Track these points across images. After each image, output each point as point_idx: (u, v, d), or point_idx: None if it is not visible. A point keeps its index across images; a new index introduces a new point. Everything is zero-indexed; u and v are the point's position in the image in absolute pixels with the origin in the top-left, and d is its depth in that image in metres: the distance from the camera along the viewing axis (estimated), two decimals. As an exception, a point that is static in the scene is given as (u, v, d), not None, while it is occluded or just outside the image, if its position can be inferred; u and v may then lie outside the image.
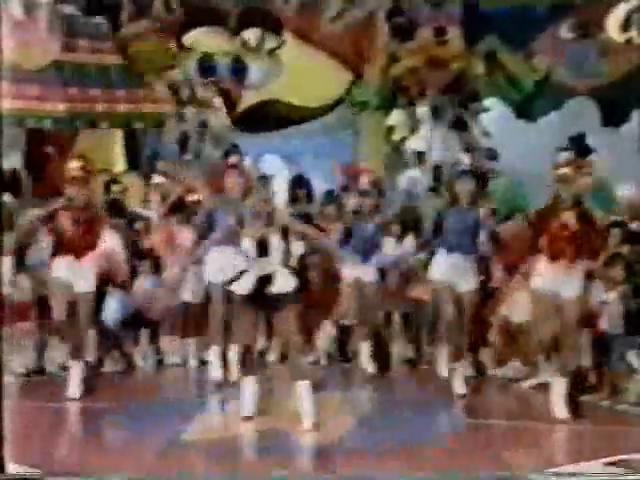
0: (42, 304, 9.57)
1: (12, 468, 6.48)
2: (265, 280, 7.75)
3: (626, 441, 7.33)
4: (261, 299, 7.80)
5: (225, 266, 8.75)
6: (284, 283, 7.78)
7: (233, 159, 11.97)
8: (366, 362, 10.02)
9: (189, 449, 7.36)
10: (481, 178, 11.43)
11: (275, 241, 7.80)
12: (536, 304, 8.33)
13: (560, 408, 8.03)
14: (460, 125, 13.20)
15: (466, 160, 12.06)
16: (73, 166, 8.79)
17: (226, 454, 7.22)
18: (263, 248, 7.77)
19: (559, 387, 8.09)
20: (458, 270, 8.95)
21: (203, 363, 10.30)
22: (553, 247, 8.09)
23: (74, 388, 8.74)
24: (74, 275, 8.74)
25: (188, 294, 10.35)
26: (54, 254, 8.87)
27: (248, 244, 7.80)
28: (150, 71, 13.24)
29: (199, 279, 9.94)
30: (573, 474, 6.60)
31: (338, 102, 13.91)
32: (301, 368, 7.97)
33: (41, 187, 11.99)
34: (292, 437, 7.62)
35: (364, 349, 10.09)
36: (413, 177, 12.69)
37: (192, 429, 7.94)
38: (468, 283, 8.98)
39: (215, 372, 9.48)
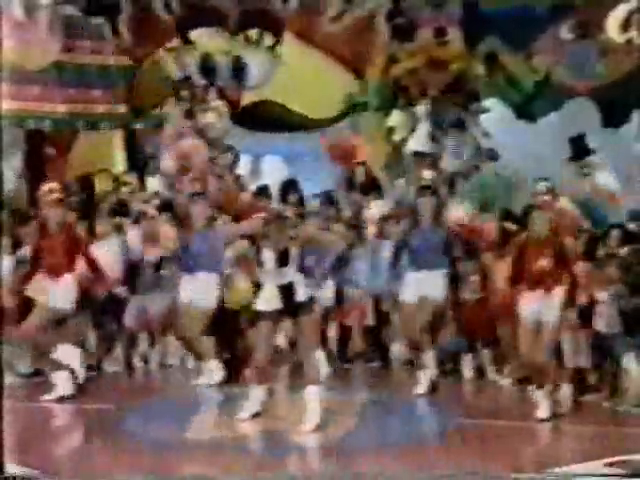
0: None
1: (11, 469, 6.48)
2: (286, 290, 7.78)
3: (626, 442, 7.34)
4: (283, 310, 7.84)
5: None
6: (303, 291, 7.82)
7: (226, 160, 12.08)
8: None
9: (190, 449, 7.36)
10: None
11: (294, 252, 7.82)
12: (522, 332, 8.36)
13: (542, 410, 8.06)
14: (459, 126, 13.17)
15: (427, 175, 12.02)
16: (47, 190, 8.88)
17: (227, 454, 7.23)
18: (282, 259, 7.80)
19: (540, 399, 8.12)
20: (427, 286, 9.15)
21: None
22: (532, 276, 8.19)
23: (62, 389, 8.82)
24: (53, 295, 8.83)
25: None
26: (31, 272, 8.97)
27: (268, 255, 7.81)
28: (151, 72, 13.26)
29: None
30: (573, 475, 6.60)
31: (343, 115, 13.89)
32: (316, 373, 7.98)
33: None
34: (293, 438, 7.63)
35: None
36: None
37: (193, 430, 7.96)
38: (439, 294, 9.18)
39: None
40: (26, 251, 9.55)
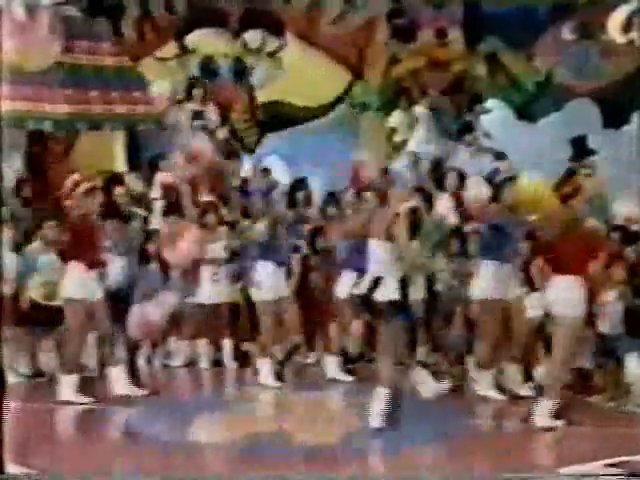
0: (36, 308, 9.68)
1: (12, 469, 6.47)
2: (374, 284, 7.57)
3: (628, 442, 7.32)
4: (365, 303, 7.64)
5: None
6: (387, 291, 7.54)
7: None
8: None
9: (192, 450, 7.36)
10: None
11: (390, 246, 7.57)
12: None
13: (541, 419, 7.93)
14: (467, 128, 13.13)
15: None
16: (73, 182, 8.87)
17: (228, 455, 7.23)
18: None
19: (541, 408, 7.98)
20: (502, 281, 8.83)
21: (215, 364, 10.32)
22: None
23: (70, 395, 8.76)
24: (83, 286, 8.80)
25: (204, 296, 10.33)
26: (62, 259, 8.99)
27: (375, 245, 7.58)
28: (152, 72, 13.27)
29: (213, 280, 10.03)
30: (575, 475, 6.60)
31: (338, 101, 13.92)
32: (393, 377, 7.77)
33: (42, 188, 12.00)
34: (295, 439, 7.63)
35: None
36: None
37: (195, 430, 7.97)
38: (513, 292, 8.89)
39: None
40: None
